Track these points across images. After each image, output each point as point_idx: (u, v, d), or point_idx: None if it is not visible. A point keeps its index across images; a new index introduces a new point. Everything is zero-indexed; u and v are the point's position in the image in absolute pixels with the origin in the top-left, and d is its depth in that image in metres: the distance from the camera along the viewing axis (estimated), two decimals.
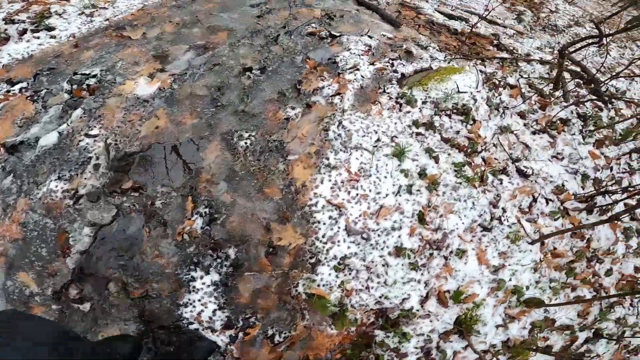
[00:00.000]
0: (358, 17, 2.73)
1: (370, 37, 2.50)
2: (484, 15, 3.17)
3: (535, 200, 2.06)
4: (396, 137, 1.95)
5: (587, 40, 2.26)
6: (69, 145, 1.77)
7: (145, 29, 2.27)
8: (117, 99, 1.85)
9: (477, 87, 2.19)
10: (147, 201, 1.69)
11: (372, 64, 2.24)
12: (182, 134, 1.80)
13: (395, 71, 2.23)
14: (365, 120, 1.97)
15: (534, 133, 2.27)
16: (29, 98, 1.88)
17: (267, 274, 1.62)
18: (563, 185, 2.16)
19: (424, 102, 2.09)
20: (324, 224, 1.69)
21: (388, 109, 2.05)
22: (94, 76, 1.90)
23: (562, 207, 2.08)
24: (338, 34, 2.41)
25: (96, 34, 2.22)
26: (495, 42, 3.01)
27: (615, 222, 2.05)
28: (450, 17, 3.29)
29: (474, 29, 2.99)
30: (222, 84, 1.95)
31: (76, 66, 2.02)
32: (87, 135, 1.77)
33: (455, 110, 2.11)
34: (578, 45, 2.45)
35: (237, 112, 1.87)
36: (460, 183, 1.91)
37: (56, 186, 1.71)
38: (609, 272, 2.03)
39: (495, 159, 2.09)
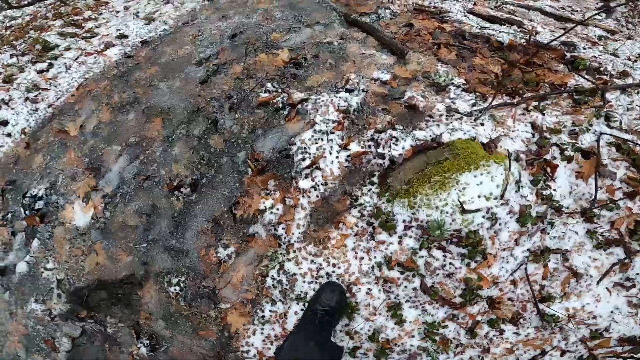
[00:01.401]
0: (341, 52, 1.91)
1: (350, 90, 1.73)
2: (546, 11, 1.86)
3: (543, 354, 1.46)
4: (355, 283, 1.49)
5: None
6: (37, 274, 1.86)
7: (83, 117, 1.99)
8: (61, 229, 1.77)
9: (502, 195, 1.39)
10: (101, 327, 1.78)
11: (346, 146, 1.57)
12: (120, 272, 1.69)
13: (382, 155, 1.52)
14: (319, 257, 1.50)
15: (598, 247, 1.46)
16: (2, 220, 1.96)
17: None
18: (607, 328, 1.46)
19: (407, 227, 1.44)
20: None
21: (355, 236, 1.49)
22: (41, 198, 1.82)
23: None
24: (301, 98, 1.72)
25: (43, 128, 2.04)
26: (567, 55, 1.80)
27: None
28: (492, 20, 2.07)
29: (532, 37, 1.82)
30: (152, 208, 1.66)
31: (30, 179, 1.94)
32: (45, 268, 1.82)
33: (455, 240, 1.42)
34: None
35: (169, 249, 1.63)
36: (425, 349, 1.44)
37: (35, 307, 1.90)
38: None
39: (509, 299, 1.47)
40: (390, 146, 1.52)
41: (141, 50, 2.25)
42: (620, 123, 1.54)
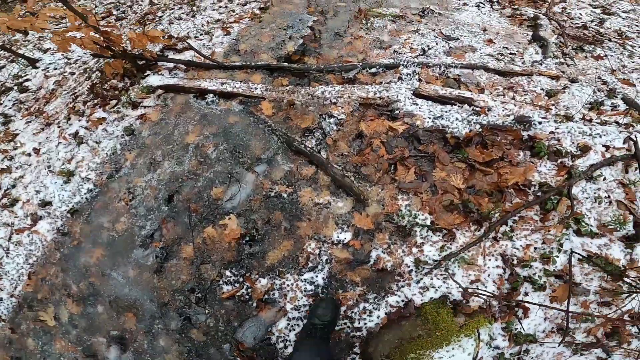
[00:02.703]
0: (294, 208, 1.76)
1: (314, 267, 1.61)
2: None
3: None
4: None
5: None
6: None
7: (52, 307, 1.79)
8: None
9: (475, 359, 1.39)
10: None
11: None
12: None
13: (358, 328, 1.48)
14: None
15: (576, 352, 1.47)
16: None
17: None
18: None
19: None
20: None
21: None
22: None
23: None
24: (265, 289, 1.59)
25: (18, 315, 1.81)
26: (524, 134, 1.73)
27: None
28: (441, 100, 1.92)
29: (486, 118, 1.73)
30: None
31: (34, 358, 1.74)
32: None
33: None
34: None
35: None
36: None
37: None
38: None
39: None
40: (365, 319, 1.48)
41: (74, 224, 1.95)
42: (590, 229, 1.53)
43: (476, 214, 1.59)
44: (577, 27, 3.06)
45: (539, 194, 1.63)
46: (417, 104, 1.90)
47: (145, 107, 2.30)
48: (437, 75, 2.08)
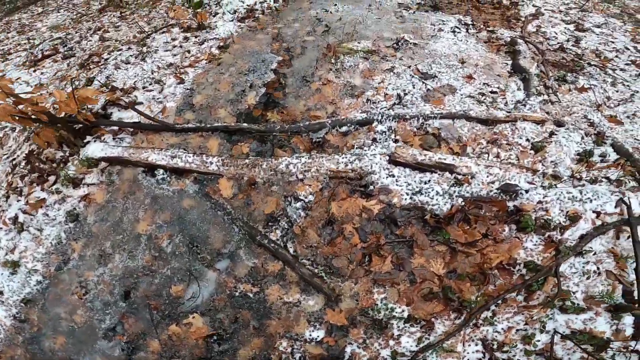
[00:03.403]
0: (262, 307, 1.52)
1: None
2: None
3: None
4: None
5: None
6: None
7: None
8: None
9: None
10: None
11: None
12: None
13: None
14: None
15: None
16: None
17: None
18: None
19: None
20: None
21: None
22: None
23: None
24: None
25: None
26: (510, 205, 1.55)
27: None
28: (419, 168, 1.72)
29: (469, 188, 1.57)
30: None
31: None
32: None
33: None
34: None
35: None
36: None
37: None
38: None
39: None
40: None
41: (30, 312, 1.70)
42: (575, 305, 1.37)
43: (457, 302, 1.42)
44: (555, 50, 2.91)
45: (525, 276, 1.46)
46: (394, 175, 1.67)
47: (88, 185, 1.97)
48: (415, 130, 1.86)
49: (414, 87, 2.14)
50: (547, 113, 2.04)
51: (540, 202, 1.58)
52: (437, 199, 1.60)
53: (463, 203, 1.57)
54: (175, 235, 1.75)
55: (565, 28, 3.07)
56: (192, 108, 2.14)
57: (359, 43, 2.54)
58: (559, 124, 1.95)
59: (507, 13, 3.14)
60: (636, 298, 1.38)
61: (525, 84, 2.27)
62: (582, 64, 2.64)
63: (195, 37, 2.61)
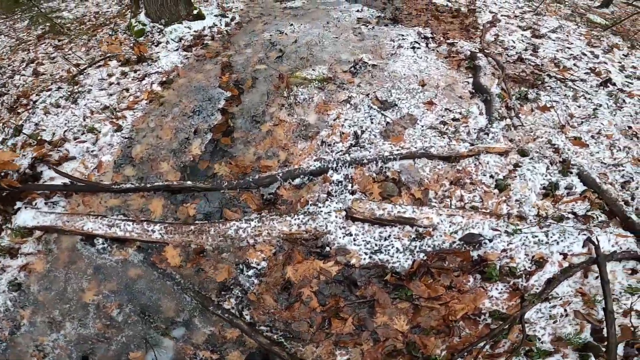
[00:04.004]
0: None
1: None
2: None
3: None
4: None
5: None
6: None
7: None
8: None
9: None
10: None
11: None
12: None
13: None
14: None
15: None
16: None
17: None
18: None
19: None
20: None
21: None
22: None
23: None
24: None
25: None
26: (474, 255, 1.45)
27: None
28: (379, 222, 1.59)
29: (431, 240, 1.47)
30: None
31: None
32: None
33: None
34: None
35: None
36: None
37: None
38: None
39: None
40: None
41: None
42: (540, 351, 1.30)
43: (421, 358, 1.32)
44: (514, 62, 2.82)
45: (491, 324, 1.37)
46: (351, 234, 1.53)
47: (25, 254, 1.73)
48: (374, 175, 1.72)
49: (372, 122, 1.99)
50: (511, 140, 1.94)
51: (504, 250, 1.49)
52: (397, 257, 1.47)
53: (425, 257, 1.46)
54: (124, 304, 1.58)
55: (522, 35, 2.99)
56: (131, 162, 1.90)
57: (313, 70, 2.36)
58: (523, 153, 1.86)
59: (465, 21, 3.03)
60: (605, 336, 1.33)
61: (487, 107, 2.17)
62: (542, 76, 2.56)
63: (135, 71, 2.32)
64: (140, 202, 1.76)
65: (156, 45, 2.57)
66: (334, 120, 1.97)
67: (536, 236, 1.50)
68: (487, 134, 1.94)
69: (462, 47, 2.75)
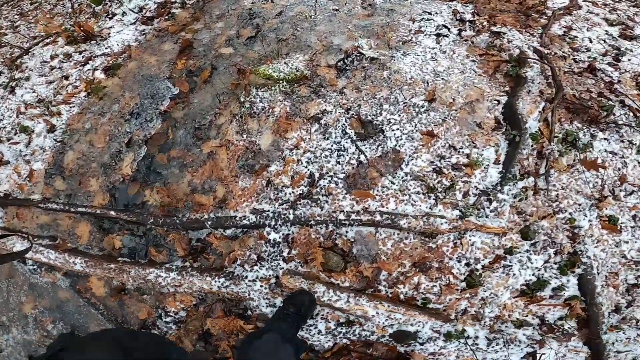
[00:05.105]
0: None
1: None
2: None
3: None
4: None
5: None
6: None
7: None
8: None
9: None
10: None
11: None
12: None
13: None
14: None
15: None
16: None
17: None
18: None
19: None
20: None
21: None
22: None
23: None
24: None
25: None
26: (402, 348, 1.18)
27: None
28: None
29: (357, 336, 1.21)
30: None
31: None
32: None
33: None
34: None
35: None
36: None
37: None
38: None
39: None
40: None
41: None
42: None
43: None
44: (581, 73, 1.92)
45: None
46: (275, 306, 1.29)
47: None
48: (321, 241, 1.35)
49: (339, 160, 1.51)
50: (520, 213, 1.40)
51: (433, 353, 1.18)
52: (318, 337, 1.26)
53: (348, 343, 1.21)
54: (57, 321, 1.65)
55: (605, 32, 1.98)
56: (62, 173, 1.67)
57: (286, 63, 1.77)
58: (526, 235, 1.35)
59: (528, 2, 2.07)
60: None
61: (509, 152, 1.52)
62: (612, 104, 1.68)
63: (80, 52, 1.87)
64: (68, 223, 1.60)
65: (110, 18, 2.04)
66: (291, 150, 1.52)
67: (477, 344, 1.16)
68: (490, 201, 1.40)
69: (511, 41, 1.92)
